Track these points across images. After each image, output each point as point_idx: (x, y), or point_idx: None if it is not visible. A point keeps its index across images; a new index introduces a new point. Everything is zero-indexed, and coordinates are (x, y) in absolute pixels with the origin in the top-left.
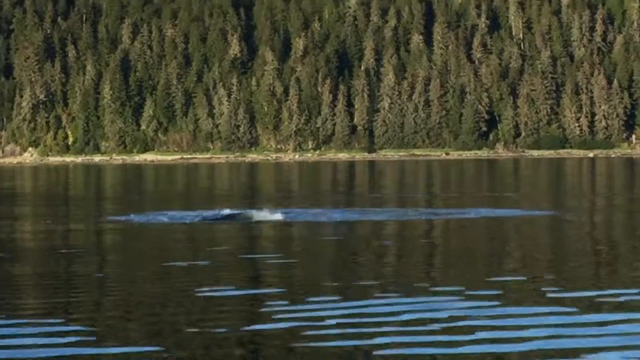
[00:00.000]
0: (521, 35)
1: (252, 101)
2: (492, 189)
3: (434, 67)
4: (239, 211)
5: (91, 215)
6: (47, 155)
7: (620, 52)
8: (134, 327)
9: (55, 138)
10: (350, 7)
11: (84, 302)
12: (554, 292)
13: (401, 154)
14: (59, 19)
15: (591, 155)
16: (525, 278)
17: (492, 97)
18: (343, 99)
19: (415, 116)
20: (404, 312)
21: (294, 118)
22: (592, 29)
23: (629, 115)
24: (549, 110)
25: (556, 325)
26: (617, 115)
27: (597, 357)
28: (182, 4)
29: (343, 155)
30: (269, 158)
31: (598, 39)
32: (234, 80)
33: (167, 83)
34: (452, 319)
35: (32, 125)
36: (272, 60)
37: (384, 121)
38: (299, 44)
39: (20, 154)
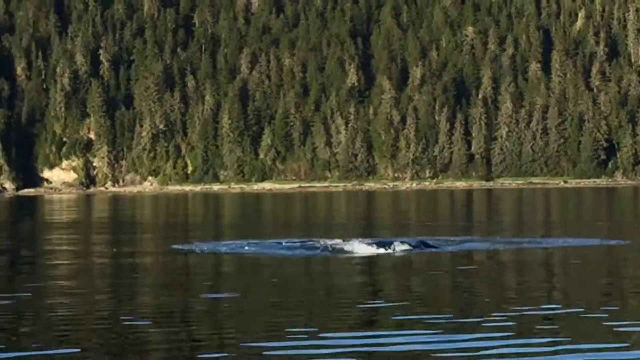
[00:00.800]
0: None
1: (369, 130)
2: (601, 217)
3: (552, 95)
4: (320, 242)
5: (156, 245)
6: (167, 184)
7: None
8: None
9: (174, 167)
10: (467, 36)
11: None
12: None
13: (519, 182)
14: (179, 49)
15: None
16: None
17: (611, 124)
18: (460, 127)
19: (533, 144)
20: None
21: (411, 146)
22: None
23: None
24: None
25: None
26: None
27: None
28: (301, 34)
29: (460, 184)
30: (386, 187)
31: None
32: (352, 109)
33: (285, 112)
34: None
35: (151, 154)
36: (390, 89)
37: (502, 149)
38: (416, 72)
39: (140, 183)
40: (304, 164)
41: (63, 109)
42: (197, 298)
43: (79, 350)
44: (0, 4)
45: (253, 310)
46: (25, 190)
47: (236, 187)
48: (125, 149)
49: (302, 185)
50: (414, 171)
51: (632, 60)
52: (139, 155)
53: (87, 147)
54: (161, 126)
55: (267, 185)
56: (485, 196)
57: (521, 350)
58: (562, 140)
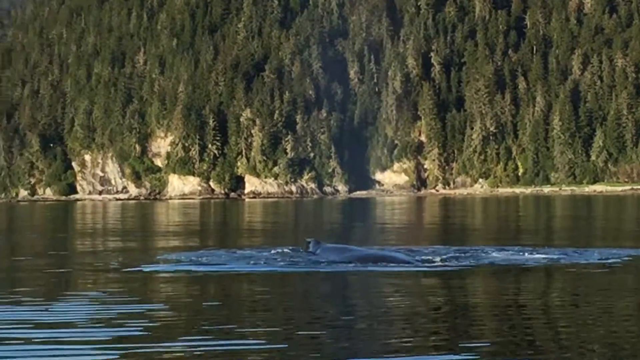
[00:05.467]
0: None
1: None
2: None
3: None
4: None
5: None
6: (497, 187)
7: None
8: None
9: (505, 169)
10: None
11: None
12: None
13: None
14: (510, 51)
15: None
16: None
17: None
18: None
19: None
20: None
21: None
22: None
23: None
24: None
25: None
26: None
27: None
28: (634, 33)
29: None
30: None
31: None
32: None
33: (618, 113)
34: None
35: (482, 157)
36: None
37: None
38: None
39: (471, 185)
40: (636, 166)
41: (394, 112)
42: None
43: None
44: (334, 9)
45: None
46: (357, 192)
47: (567, 190)
48: (455, 151)
49: (635, 187)
50: None
51: None
52: (470, 157)
53: (418, 149)
54: (492, 128)
55: (598, 188)
56: None
57: None
58: None
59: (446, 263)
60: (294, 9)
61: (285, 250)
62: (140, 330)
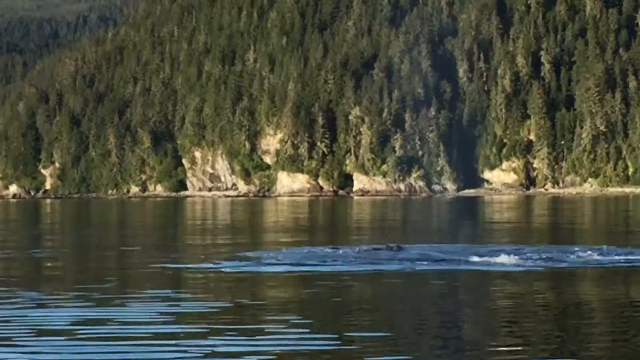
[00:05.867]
0: None
1: None
2: None
3: None
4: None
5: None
6: (607, 186)
7: None
8: None
9: (615, 169)
10: None
11: None
12: None
13: None
14: (620, 50)
15: None
16: None
17: None
18: None
19: None
20: None
21: None
22: None
23: None
24: None
25: None
26: None
27: None
28: None
29: None
30: None
31: None
32: None
33: None
34: None
35: (591, 156)
36: None
37: None
38: None
39: (580, 185)
40: None
41: (504, 110)
42: None
43: None
44: (444, 7)
45: None
46: (466, 191)
47: None
48: (565, 150)
49: None
50: None
51: None
52: (579, 156)
53: (527, 148)
54: (602, 127)
55: None
56: None
57: None
58: None
59: (519, 264)
60: (403, 7)
61: (365, 248)
62: (216, 328)
